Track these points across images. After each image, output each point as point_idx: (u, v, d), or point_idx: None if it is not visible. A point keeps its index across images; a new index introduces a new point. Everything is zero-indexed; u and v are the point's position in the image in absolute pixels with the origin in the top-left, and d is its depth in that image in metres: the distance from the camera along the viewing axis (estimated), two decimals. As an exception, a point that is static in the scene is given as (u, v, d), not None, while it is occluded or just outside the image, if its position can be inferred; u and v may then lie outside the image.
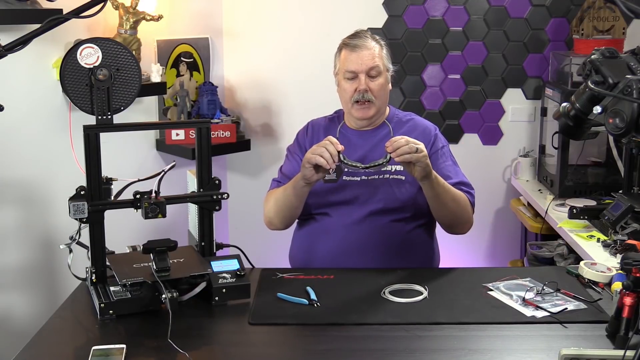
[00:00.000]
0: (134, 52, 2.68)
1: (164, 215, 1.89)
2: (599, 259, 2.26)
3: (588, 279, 1.97)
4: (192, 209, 2.15)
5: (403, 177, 2.25)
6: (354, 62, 2.25)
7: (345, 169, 2.27)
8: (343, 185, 2.27)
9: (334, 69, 2.35)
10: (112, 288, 1.85)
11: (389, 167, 2.26)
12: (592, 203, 2.90)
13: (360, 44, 2.27)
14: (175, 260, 1.88)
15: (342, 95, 2.32)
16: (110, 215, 1.92)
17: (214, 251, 2.05)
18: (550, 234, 3.03)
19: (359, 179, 2.27)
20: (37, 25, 1.75)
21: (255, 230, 3.64)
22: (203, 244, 2.04)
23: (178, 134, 3.20)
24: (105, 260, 1.92)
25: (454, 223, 2.27)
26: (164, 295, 1.73)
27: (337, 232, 2.25)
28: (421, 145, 2.03)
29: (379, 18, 3.55)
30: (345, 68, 2.26)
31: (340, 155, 2.05)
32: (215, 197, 2.02)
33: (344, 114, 2.39)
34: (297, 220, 2.41)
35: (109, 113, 1.89)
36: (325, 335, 1.72)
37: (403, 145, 2.00)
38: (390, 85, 2.33)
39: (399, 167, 2.25)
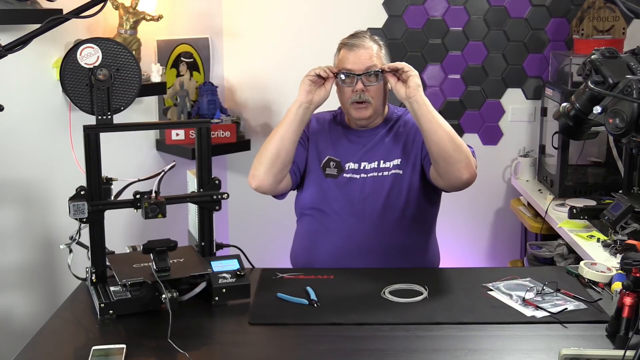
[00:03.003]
0: (134, 52, 2.69)
1: (164, 215, 1.89)
2: (599, 259, 2.26)
3: (588, 279, 1.97)
4: (192, 209, 2.15)
5: (401, 172, 2.26)
6: (351, 61, 2.25)
7: (346, 167, 2.27)
8: (344, 183, 2.27)
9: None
10: (112, 288, 1.85)
11: (387, 164, 2.27)
12: (592, 203, 2.90)
13: (358, 43, 2.27)
14: (175, 260, 1.88)
15: (340, 95, 2.32)
16: (110, 215, 1.92)
17: (214, 251, 2.05)
18: (550, 234, 3.03)
19: (358, 176, 2.27)
20: (37, 25, 1.75)
21: (255, 230, 3.66)
22: (203, 244, 2.04)
23: (178, 134, 3.20)
24: (105, 260, 1.92)
25: (448, 160, 2.11)
26: (164, 295, 1.73)
27: (338, 232, 2.26)
28: (413, 71, 2.18)
29: (379, 18, 3.55)
30: (343, 67, 2.26)
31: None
32: (215, 197, 2.02)
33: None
34: (297, 220, 2.41)
35: (109, 113, 1.89)
36: (325, 335, 1.72)
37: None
38: (389, 85, 2.33)
39: (397, 162, 2.26)
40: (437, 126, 2.14)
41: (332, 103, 2.43)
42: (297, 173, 2.31)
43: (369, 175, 2.27)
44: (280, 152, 2.19)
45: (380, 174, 2.27)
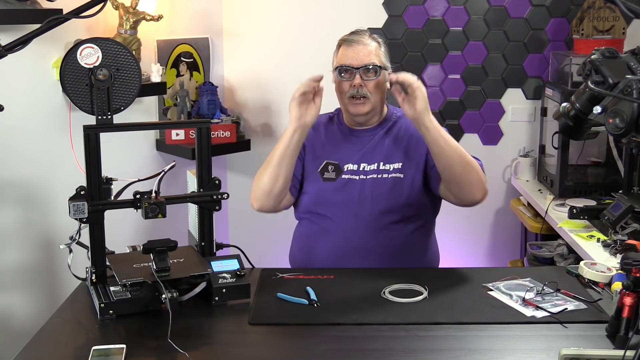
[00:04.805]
0: (134, 52, 2.69)
1: (164, 215, 1.89)
2: (599, 259, 2.26)
3: (588, 279, 1.97)
4: (192, 209, 2.15)
5: (402, 175, 2.25)
6: (349, 57, 2.25)
7: (344, 168, 2.27)
8: (342, 185, 2.26)
9: (332, 66, 2.35)
10: (112, 288, 1.85)
11: (387, 167, 2.26)
12: (592, 203, 2.90)
13: (357, 39, 2.27)
14: (175, 260, 1.88)
15: (338, 92, 2.32)
16: (110, 215, 1.92)
17: (214, 251, 2.05)
18: (550, 234, 3.03)
19: (357, 177, 2.26)
20: (37, 25, 1.75)
21: (255, 230, 3.66)
22: (203, 244, 2.04)
23: (178, 134, 3.20)
24: (105, 260, 1.92)
25: (461, 183, 2.14)
26: (164, 295, 1.73)
27: (337, 233, 2.25)
28: (421, 87, 2.13)
29: (379, 18, 3.55)
30: (341, 63, 2.26)
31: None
32: (215, 197, 2.02)
33: (341, 113, 2.40)
34: (296, 221, 2.41)
35: (109, 113, 1.89)
36: (325, 335, 1.72)
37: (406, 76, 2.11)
38: (388, 84, 2.33)
39: (397, 165, 2.25)
40: (448, 150, 2.13)
41: (332, 104, 2.43)
42: (296, 186, 2.31)
43: (368, 177, 2.26)
44: (279, 177, 2.20)
45: (379, 175, 2.26)
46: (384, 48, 2.31)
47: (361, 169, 2.27)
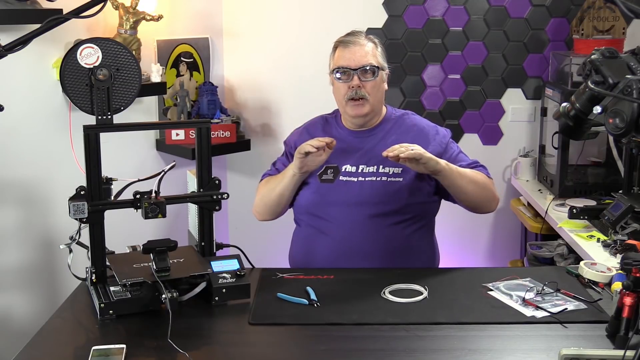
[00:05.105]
0: (134, 52, 2.69)
1: (164, 215, 1.89)
2: (599, 259, 2.26)
3: (588, 279, 1.97)
4: (192, 209, 2.15)
5: (401, 179, 2.24)
6: (346, 58, 2.25)
7: (342, 169, 2.26)
8: (341, 186, 2.26)
9: (329, 68, 2.34)
10: (112, 288, 1.85)
11: (386, 170, 2.25)
12: (592, 203, 2.90)
13: (353, 41, 2.27)
14: (175, 260, 1.88)
15: (336, 94, 2.31)
16: (110, 215, 1.92)
17: (214, 251, 2.05)
18: (550, 234, 3.02)
19: (355, 179, 2.26)
20: (37, 25, 1.75)
21: (255, 230, 3.64)
22: (203, 244, 2.04)
23: (178, 134, 3.20)
24: (105, 260, 1.92)
25: (479, 204, 2.30)
26: (164, 295, 1.73)
27: (336, 235, 2.24)
28: (415, 146, 2.11)
29: (379, 18, 3.55)
30: (338, 64, 2.26)
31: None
32: (215, 197, 2.02)
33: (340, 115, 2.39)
34: (296, 221, 2.41)
35: (109, 113, 1.89)
36: (325, 335, 1.72)
37: (401, 149, 2.08)
38: (385, 84, 2.33)
39: (397, 170, 2.24)
40: (465, 185, 2.21)
41: (332, 104, 2.43)
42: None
43: (366, 179, 2.25)
44: (281, 202, 2.32)
45: (378, 178, 2.24)
46: (380, 48, 2.31)
47: (359, 170, 2.26)
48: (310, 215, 2.30)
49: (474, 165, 2.32)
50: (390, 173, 2.25)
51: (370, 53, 2.26)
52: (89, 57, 1.85)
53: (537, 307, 1.81)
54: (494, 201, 2.34)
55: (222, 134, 3.30)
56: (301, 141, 2.27)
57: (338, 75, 2.26)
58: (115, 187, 1.95)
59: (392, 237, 2.23)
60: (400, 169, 2.24)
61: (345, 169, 2.27)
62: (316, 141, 2.15)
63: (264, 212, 2.39)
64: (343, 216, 2.24)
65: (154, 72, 3.04)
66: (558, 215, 2.93)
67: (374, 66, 2.24)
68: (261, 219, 2.42)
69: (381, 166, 2.25)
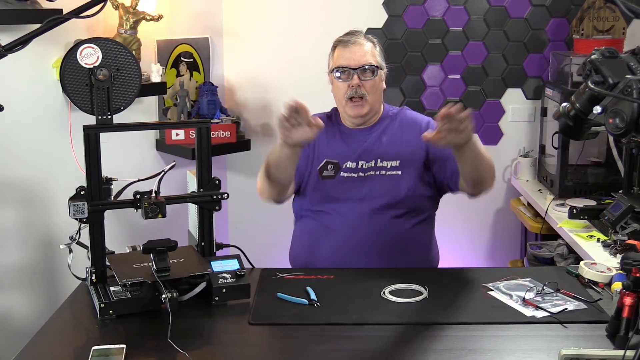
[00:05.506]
0: (134, 52, 2.69)
1: (164, 215, 1.89)
2: (599, 259, 2.26)
3: (588, 279, 1.97)
4: (192, 209, 2.15)
5: (400, 172, 2.26)
6: (346, 57, 2.26)
7: (343, 167, 2.27)
8: (341, 183, 2.27)
9: (328, 68, 2.35)
10: (112, 288, 1.85)
11: (385, 164, 2.27)
12: (592, 203, 2.90)
13: (353, 40, 2.28)
14: (175, 260, 1.88)
15: (335, 93, 2.32)
16: (110, 215, 1.92)
17: (214, 251, 2.05)
18: (550, 234, 3.02)
19: (355, 175, 2.27)
20: (37, 25, 1.75)
21: (255, 230, 3.66)
22: (203, 244, 2.04)
23: (178, 134, 3.20)
24: (105, 260, 1.92)
25: (486, 176, 2.19)
26: (164, 295, 1.73)
27: (337, 231, 2.26)
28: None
29: (379, 18, 3.55)
30: (338, 64, 2.27)
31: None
32: (215, 197, 2.02)
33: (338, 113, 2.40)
34: (295, 221, 2.41)
35: (109, 113, 1.89)
36: (325, 335, 1.72)
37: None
38: (384, 84, 2.34)
39: (395, 163, 2.26)
40: (480, 159, 2.11)
41: (332, 104, 2.43)
42: (297, 175, 2.31)
43: (366, 174, 2.27)
44: (278, 174, 2.21)
45: (377, 172, 2.27)
46: (379, 48, 2.33)
47: (359, 166, 2.28)
48: (312, 212, 2.31)
49: None
50: (389, 167, 2.27)
51: (370, 52, 2.27)
52: (89, 57, 1.85)
53: (537, 307, 1.81)
54: (493, 179, 2.24)
55: (222, 134, 3.30)
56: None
57: (338, 74, 2.27)
58: (115, 187, 1.95)
59: (394, 230, 2.24)
60: (398, 161, 2.26)
61: (346, 165, 2.28)
62: (285, 115, 2.00)
63: (264, 188, 2.27)
64: (345, 211, 2.26)
65: (154, 72, 3.04)
66: (558, 215, 2.93)
67: (374, 65, 2.26)
68: (264, 197, 2.31)
69: (379, 160, 2.28)
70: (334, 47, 2.33)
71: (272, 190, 2.28)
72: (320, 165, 2.29)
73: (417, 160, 2.27)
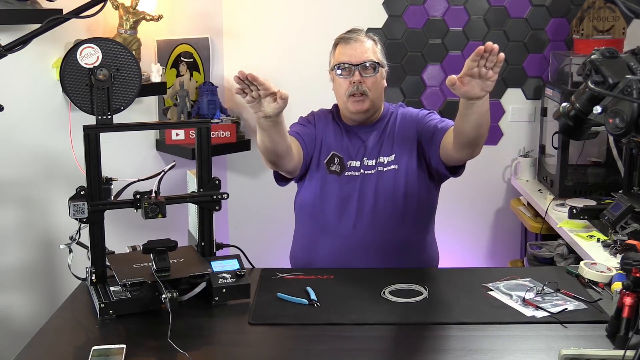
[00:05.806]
0: (134, 52, 2.69)
1: (164, 215, 1.89)
2: (599, 259, 2.26)
3: (588, 279, 1.97)
4: (192, 209, 2.15)
5: (397, 166, 2.27)
6: (347, 54, 2.27)
7: (347, 165, 2.27)
8: (345, 183, 2.28)
9: (329, 66, 2.36)
10: (112, 288, 1.85)
11: (381, 159, 2.28)
12: (592, 203, 2.90)
13: (354, 37, 2.30)
14: (175, 260, 1.88)
15: (337, 90, 2.33)
16: (110, 215, 1.92)
17: (214, 251, 2.05)
18: (550, 234, 3.02)
19: (358, 173, 2.28)
20: (37, 25, 1.75)
21: (255, 230, 3.66)
22: (203, 244, 2.04)
23: (178, 134, 3.20)
24: (105, 260, 1.92)
25: (481, 139, 2.06)
26: (164, 295, 1.73)
27: (337, 230, 2.26)
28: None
29: (379, 18, 3.55)
30: (339, 60, 2.27)
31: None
32: (215, 197, 2.02)
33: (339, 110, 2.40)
34: (296, 221, 2.41)
35: (109, 113, 1.89)
36: (325, 335, 1.72)
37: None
38: (385, 81, 2.34)
39: (391, 158, 2.28)
40: (485, 118, 2.00)
41: (332, 104, 2.43)
42: (304, 148, 2.26)
43: (367, 172, 2.28)
44: (273, 148, 2.11)
45: (378, 169, 2.28)
46: (380, 46, 2.33)
47: (363, 164, 2.29)
48: (312, 211, 2.32)
49: (443, 120, 2.27)
50: (386, 162, 2.28)
51: (371, 50, 2.28)
52: (89, 57, 1.85)
53: (537, 307, 1.81)
54: (484, 140, 2.09)
55: (222, 134, 3.30)
56: (319, 117, 2.36)
57: (339, 71, 2.27)
58: (115, 187, 1.95)
59: (393, 229, 2.25)
60: (393, 155, 2.28)
61: (350, 164, 2.29)
62: (236, 81, 1.95)
63: (264, 149, 2.13)
64: (345, 210, 2.26)
65: (154, 72, 3.04)
66: (558, 215, 2.93)
67: (375, 62, 2.26)
68: (269, 166, 2.21)
69: (380, 157, 2.29)
70: (335, 45, 2.34)
71: (272, 151, 2.13)
72: (328, 157, 2.30)
73: (413, 151, 2.27)
